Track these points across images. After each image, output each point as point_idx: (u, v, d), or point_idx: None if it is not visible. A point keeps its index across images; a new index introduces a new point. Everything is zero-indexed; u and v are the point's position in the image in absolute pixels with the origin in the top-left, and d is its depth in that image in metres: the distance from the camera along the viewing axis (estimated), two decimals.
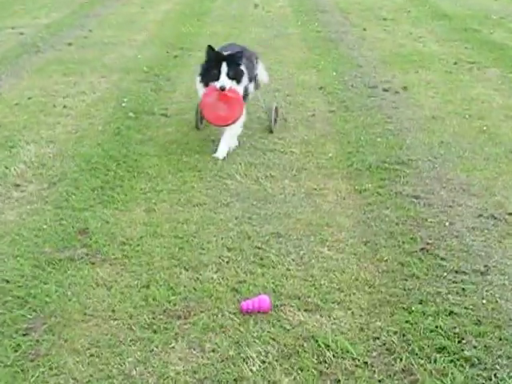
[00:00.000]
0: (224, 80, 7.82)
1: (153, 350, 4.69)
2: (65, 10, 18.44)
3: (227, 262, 5.75)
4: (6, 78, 11.64)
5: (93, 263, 5.78)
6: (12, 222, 6.53)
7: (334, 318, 5.03)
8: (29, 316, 5.06)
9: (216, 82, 7.85)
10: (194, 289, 5.35)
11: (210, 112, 8.02)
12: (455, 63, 12.41)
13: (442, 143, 8.43)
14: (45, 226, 6.40)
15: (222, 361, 4.58)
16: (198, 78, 8.23)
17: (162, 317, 5.05)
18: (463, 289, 5.35)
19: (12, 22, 16.46)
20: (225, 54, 8.00)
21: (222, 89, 7.79)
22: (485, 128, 8.94)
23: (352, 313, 5.09)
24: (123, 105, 10.02)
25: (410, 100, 10.19)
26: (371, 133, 8.80)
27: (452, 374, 4.40)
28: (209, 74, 7.97)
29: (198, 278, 5.48)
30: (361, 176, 7.49)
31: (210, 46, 7.97)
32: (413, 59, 12.60)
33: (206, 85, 8.06)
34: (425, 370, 4.45)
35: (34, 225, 6.45)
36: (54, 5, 19.21)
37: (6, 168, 7.77)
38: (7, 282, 5.50)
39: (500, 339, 4.76)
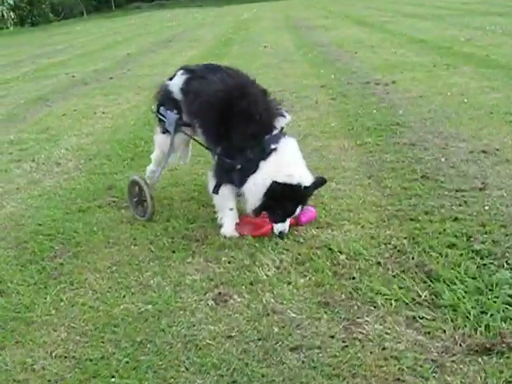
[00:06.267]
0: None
1: (170, 264, 3.88)
2: (110, 60, 17.52)
3: None
4: (57, 100, 10.87)
5: (119, 208, 4.99)
6: (49, 186, 5.81)
7: (345, 231, 4.20)
8: (56, 247, 4.29)
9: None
10: (212, 220, 4.48)
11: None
12: (434, 66, 11.44)
13: (429, 111, 7.53)
14: (78, 187, 5.64)
15: (238, 269, 3.77)
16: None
17: (180, 240, 4.24)
18: (465, 201, 4.52)
19: (65, 69, 15.66)
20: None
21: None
22: (465, 100, 8.00)
23: (362, 226, 4.26)
24: (153, 107, 9.16)
25: (398, 88, 9.25)
26: (368, 108, 7.90)
27: (465, 264, 3.52)
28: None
29: (215, 212, 4.53)
30: (361, 135, 6.63)
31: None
32: (398, 65, 11.61)
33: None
34: (438, 262, 3.60)
35: (69, 186, 5.67)
36: (101, 57, 18.39)
37: (51, 153, 7.09)
38: (39, 225, 4.77)
39: (506, 235, 3.94)
